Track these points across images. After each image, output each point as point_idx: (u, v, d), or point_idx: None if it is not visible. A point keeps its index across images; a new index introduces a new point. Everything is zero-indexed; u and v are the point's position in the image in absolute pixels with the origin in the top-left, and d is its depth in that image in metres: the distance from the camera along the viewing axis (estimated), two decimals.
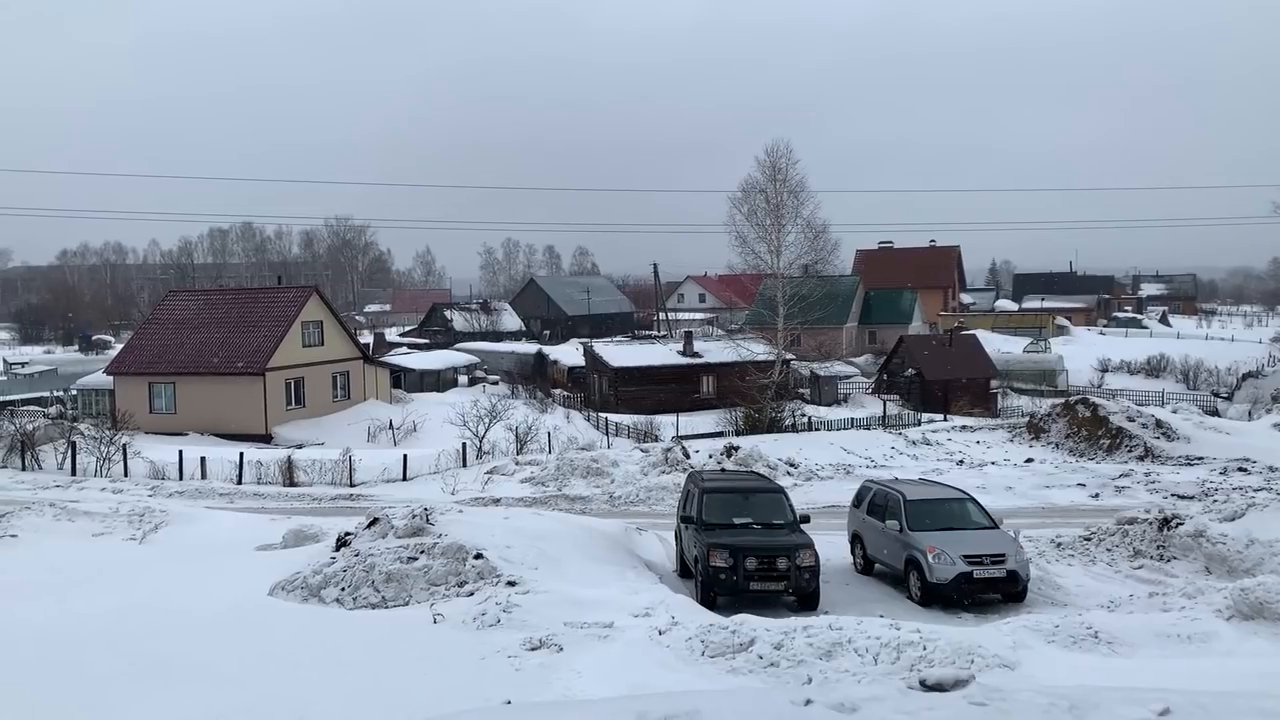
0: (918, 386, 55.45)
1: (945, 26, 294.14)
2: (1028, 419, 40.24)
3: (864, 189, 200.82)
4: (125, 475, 33.43)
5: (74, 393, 52.82)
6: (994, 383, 57.57)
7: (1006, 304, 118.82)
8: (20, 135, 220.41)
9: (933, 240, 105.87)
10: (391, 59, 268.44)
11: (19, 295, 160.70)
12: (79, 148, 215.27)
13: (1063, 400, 41.11)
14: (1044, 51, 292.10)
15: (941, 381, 53.85)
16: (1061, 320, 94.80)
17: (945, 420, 44.86)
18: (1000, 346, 69.25)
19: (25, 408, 47.66)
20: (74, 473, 33.80)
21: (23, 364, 78.52)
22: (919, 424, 43.62)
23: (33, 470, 34.52)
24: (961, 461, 34.22)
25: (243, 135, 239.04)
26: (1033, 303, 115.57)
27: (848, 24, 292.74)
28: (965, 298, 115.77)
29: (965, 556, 16.91)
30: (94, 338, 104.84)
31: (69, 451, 34.78)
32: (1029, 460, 34.14)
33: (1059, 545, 20.54)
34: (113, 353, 65.51)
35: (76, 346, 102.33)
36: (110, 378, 48.18)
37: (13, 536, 20.42)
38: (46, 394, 55.97)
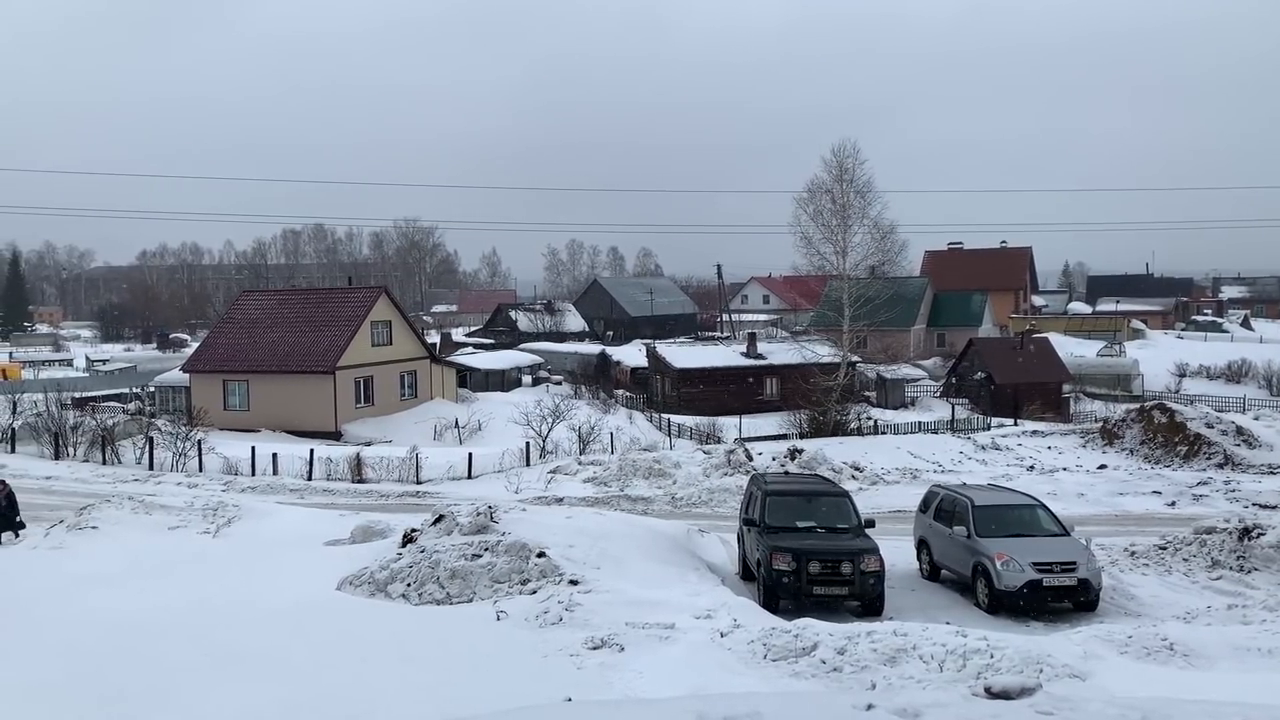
0: (987, 390, 54.51)
1: (1026, 20, 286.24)
2: (1101, 424, 39.31)
3: (934, 189, 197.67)
4: (200, 470, 34.30)
5: (152, 390, 54.33)
6: (1066, 387, 56.38)
7: (1080, 306, 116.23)
8: (104, 136, 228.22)
9: (1004, 241, 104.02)
10: (483, 63, 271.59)
11: (101, 294, 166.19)
12: (161, 149, 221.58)
13: (1138, 405, 40.05)
14: (1127, 44, 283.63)
15: (1012, 385, 52.85)
16: (1137, 323, 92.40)
17: (1015, 425, 44.02)
18: (1073, 350, 67.74)
19: (106, 404, 49.26)
20: (151, 467, 34.78)
21: (104, 361, 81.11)
22: (988, 428, 42.85)
23: (112, 464, 35.60)
24: (1032, 467, 33.56)
25: (322, 137, 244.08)
26: (1107, 305, 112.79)
27: (931, 19, 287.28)
28: (1037, 300, 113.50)
29: (1035, 564, 16.58)
30: (171, 336, 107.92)
31: (147, 447, 35.80)
32: (1102, 466, 33.34)
33: (1133, 554, 20.02)
34: (189, 351, 67.29)
35: (154, 344, 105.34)
36: (186, 375, 49.48)
37: (94, 528, 21.12)
38: (126, 391, 57.69)
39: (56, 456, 36.26)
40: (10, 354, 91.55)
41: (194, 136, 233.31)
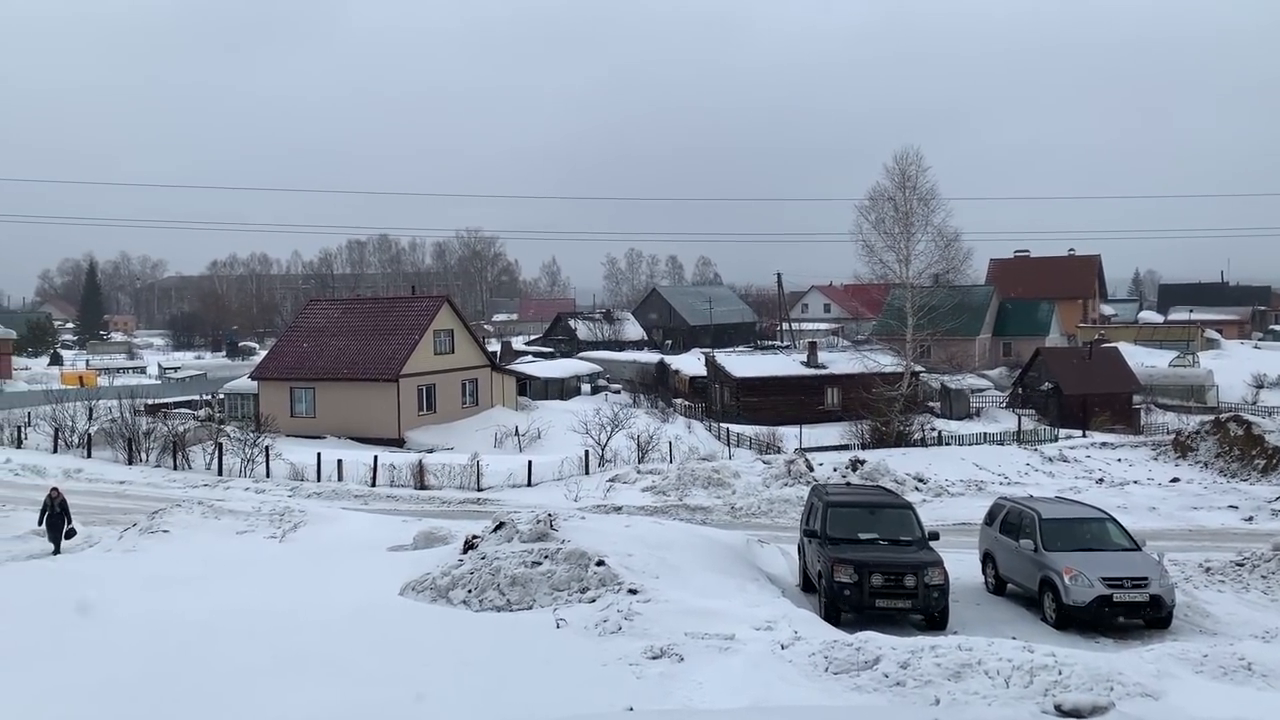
0: (1055, 401, 53.49)
1: (1108, 22, 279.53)
2: (1174, 436, 38.37)
3: (1000, 196, 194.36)
4: (267, 476, 34.98)
5: (221, 396, 55.57)
6: (1137, 398, 55.14)
7: (1151, 315, 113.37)
8: (181, 148, 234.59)
9: (1071, 249, 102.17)
10: (553, 74, 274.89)
11: (173, 303, 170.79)
12: (235, 160, 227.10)
13: (1213, 417, 38.98)
14: (1205, 45, 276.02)
15: (1080, 396, 51.79)
16: (1211, 333, 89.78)
17: (1084, 436, 43.16)
18: (1144, 360, 66.16)
19: (177, 410, 50.50)
20: (220, 473, 35.57)
21: (175, 369, 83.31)
22: (1056, 440, 42.06)
23: (183, 469, 36.48)
24: (1101, 480, 32.83)
25: (390, 149, 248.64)
26: (1180, 314, 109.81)
27: (1008, 20, 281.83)
28: (1106, 309, 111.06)
29: (1104, 579, 16.18)
30: (240, 344, 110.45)
31: (216, 452, 36.63)
32: (1175, 480, 32.49)
33: (1208, 570, 19.44)
34: (257, 358, 68.74)
35: (224, 352, 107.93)
36: (255, 382, 50.54)
37: (165, 532, 21.67)
38: (196, 397, 59.15)
39: (130, 461, 37.25)
40: (87, 361, 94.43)
41: (269, 146, 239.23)
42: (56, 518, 22.08)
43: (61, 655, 13.71)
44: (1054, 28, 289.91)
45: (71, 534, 22.24)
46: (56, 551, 21.74)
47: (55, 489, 22.88)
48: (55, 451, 39.14)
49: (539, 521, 18.19)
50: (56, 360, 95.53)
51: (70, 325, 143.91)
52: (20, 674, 12.93)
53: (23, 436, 41.46)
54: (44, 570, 19.44)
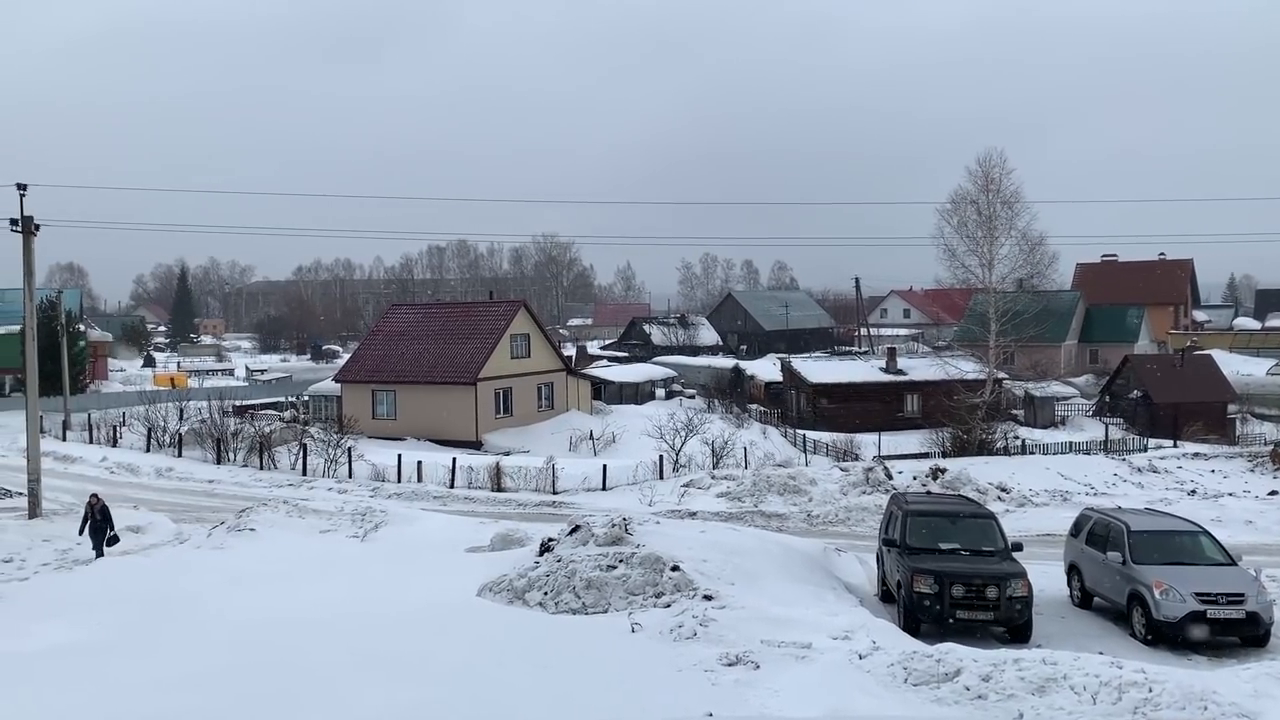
0: (1144, 409, 51.87)
1: (1209, 23, 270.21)
2: (1272, 448, 36.92)
3: (1087, 199, 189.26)
4: (349, 476, 35.72)
5: (306, 398, 56.93)
6: (1232, 407, 53.17)
7: (1247, 322, 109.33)
8: (273, 154, 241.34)
9: (1162, 253, 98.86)
10: (647, 75, 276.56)
11: (259, 307, 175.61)
12: (319, 165, 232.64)
13: None
14: None
15: (1171, 404, 50.15)
16: None
17: (1175, 446, 41.79)
18: (1239, 368, 63.78)
19: (263, 412, 51.90)
20: (304, 473, 36.42)
21: (262, 371, 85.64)
22: (1145, 450, 40.80)
23: (269, 470, 37.44)
24: (1194, 492, 31.71)
25: (478, 149, 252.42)
26: (1278, 320, 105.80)
27: (1104, 22, 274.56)
28: (1199, 315, 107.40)
29: (1197, 594, 15.62)
30: (324, 347, 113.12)
31: (300, 453, 37.52)
32: (1273, 493, 31.24)
33: None
34: (340, 361, 70.24)
35: (309, 355, 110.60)
36: (338, 385, 51.65)
37: (251, 530, 22.26)
38: (282, 399, 60.73)
39: (218, 461, 38.37)
40: (178, 364, 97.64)
41: (360, 152, 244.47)
42: (98, 525, 21.49)
43: (154, 647, 14.19)
44: (1146, 33, 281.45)
45: (114, 540, 21.65)
46: (99, 558, 21.01)
47: (95, 495, 22.40)
48: (148, 451, 40.53)
49: (614, 525, 18.25)
50: (150, 362, 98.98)
51: (163, 328, 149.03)
52: (115, 664, 13.42)
53: (118, 436, 43.06)
54: (138, 566, 20.10)
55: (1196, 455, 37.88)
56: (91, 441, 43.27)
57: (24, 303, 28.44)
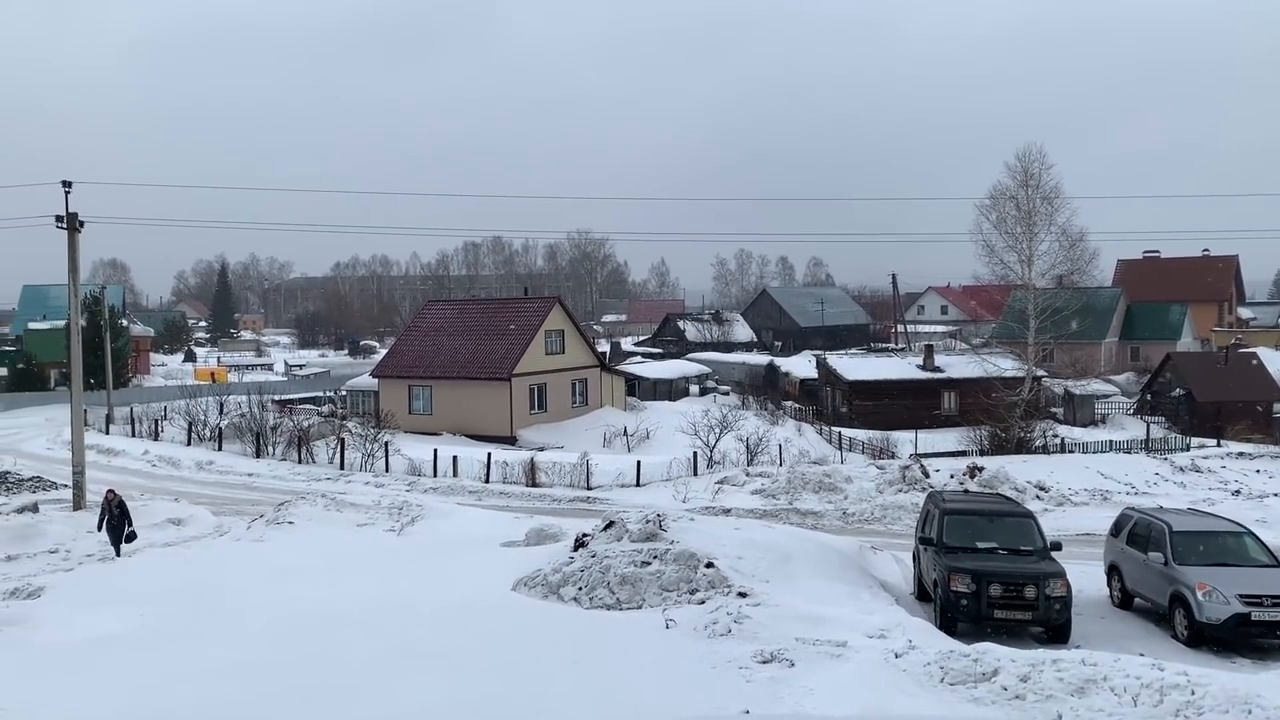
0: (1186, 408, 51.07)
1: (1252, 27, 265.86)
2: None
3: (1128, 195, 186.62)
4: (386, 471, 36.00)
5: (343, 393, 57.45)
6: (1277, 406, 52.13)
7: None
8: (321, 154, 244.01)
9: (1206, 249, 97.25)
10: (690, 74, 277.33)
11: (298, 303, 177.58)
12: (361, 164, 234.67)
13: None
14: None
15: (1214, 403, 49.34)
16: None
17: (1219, 445, 41.07)
18: None
19: (302, 406, 52.48)
20: (342, 467, 36.76)
21: (300, 366, 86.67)
22: (1187, 449, 40.14)
23: (307, 463, 37.84)
24: (1238, 492, 31.15)
25: (517, 146, 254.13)
26: None
27: (1152, 21, 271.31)
28: (1244, 312, 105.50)
29: (1242, 596, 15.35)
30: (361, 343, 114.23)
31: (338, 447, 37.88)
32: None
33: None
34: (378, 357, 70.90)
35: (346, 350, 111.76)
36: (375, 380, 52.09)
37: (290, 523, 22.52)
38: (320, 394, 61.34)
39: (258, 455, 38.84)
40: (218, 359, 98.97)
41: (404, 151, 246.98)
42: (116, 521, 20.94)
43: (196, 638, 14.40)
44: (1195, 31, 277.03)
45: (132, 537, 21.19)
46: (118, 556, 20.72)
47: (111, 491, 21.69)
48: (189, 444, 41.13)
49: (648, 521, 18.25)
50: (190, 357, 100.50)
51: (203, 324, 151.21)
52: (155, 653, 13.64)
53: (160, 430, 43.73)
54: (179, 558, 20.40)
55: (1241, 455, 37.20)
56: (134, 435, 44.01)
57: (69, 298, 28.95)
